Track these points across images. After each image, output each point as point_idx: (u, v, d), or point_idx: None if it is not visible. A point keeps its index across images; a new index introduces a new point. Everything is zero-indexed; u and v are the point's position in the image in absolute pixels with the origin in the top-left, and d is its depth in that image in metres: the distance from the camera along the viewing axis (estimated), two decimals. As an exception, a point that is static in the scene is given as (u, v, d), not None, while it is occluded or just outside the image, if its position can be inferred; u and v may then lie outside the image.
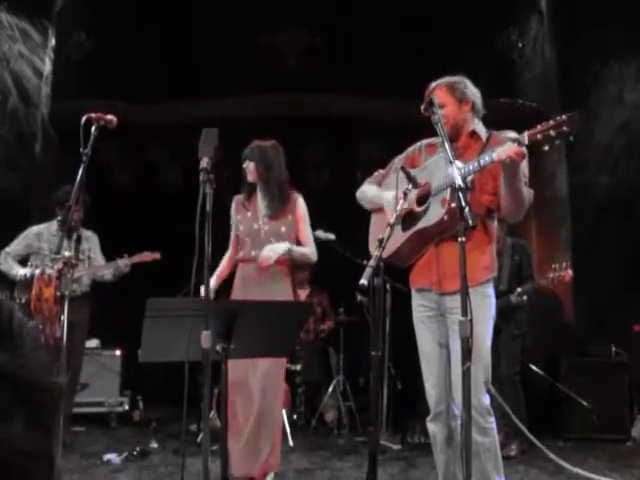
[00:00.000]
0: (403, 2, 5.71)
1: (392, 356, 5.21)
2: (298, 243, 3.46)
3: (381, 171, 3.01)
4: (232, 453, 3.13)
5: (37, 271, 4.31)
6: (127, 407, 5.67)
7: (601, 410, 4.80)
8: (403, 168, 2.65)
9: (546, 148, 2.22)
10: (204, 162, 2.34)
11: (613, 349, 5.05)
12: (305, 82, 5.78)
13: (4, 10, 5.68)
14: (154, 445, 4.59)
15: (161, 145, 6.49)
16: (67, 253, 2.99)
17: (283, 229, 3.40)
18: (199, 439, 4.56)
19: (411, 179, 2.56)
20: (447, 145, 2.34)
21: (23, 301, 4.21)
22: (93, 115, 2.85)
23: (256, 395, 3.24)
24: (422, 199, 2.70)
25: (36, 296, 4.17)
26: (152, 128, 6.15)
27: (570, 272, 4.26)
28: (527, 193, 2.56)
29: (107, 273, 4.60)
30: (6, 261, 4.52)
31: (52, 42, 6.13)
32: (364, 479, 2.74)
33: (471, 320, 2.14)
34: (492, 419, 2.60)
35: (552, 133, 2.18)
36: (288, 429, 4.78)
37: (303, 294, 5.93)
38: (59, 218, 4.54)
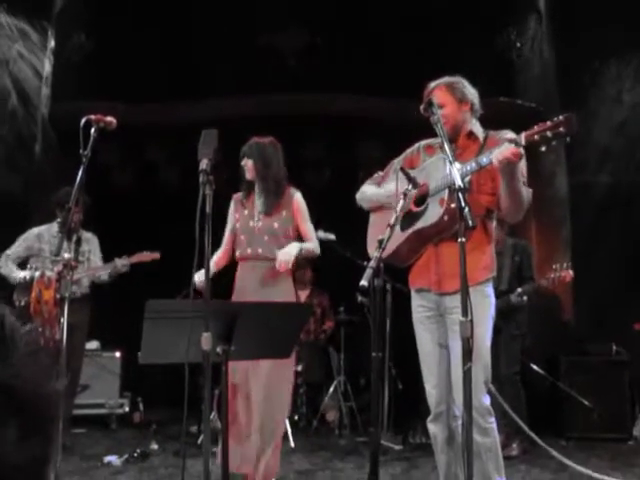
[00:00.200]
0: (402, 2, 5.71)
1: (393, 356, 5.20)
2: (300, 239, 3.46)
3: (380, 173, 3.01)
4: (232, 453, 3.12)
5: (37, 273, 4.31)
6: (127, 409, 5.66)
7: (602, 409, 4.80)
8: (402, 169, 2.65)
9: (543, 149, 2.21)
10: (203, 164, 2.33)
11: (614, 348, 5.05)
12: (305, 81, 5.78)
13: (3, 11, 5.68)
14: (154, 447, 4.59)
15: (160, 146, 6.49)
16: (67, 255, 2.98)
17: (276, 225, 3.39)
18: (199, 440, 4.56)
19: (411, 179, 2.55)
20: (447, 145, 2.34)
21: (23, 303, 4.21)
22: (93, 117, 2.85)
23: (258, 398, 3.22)
24: (420, 200, 2.70)
25: (36, 298, 4.17)
26: (151, 129, 6.15)
27: (571, 272, 4.25)
28: (526, 193, 2.56)
29: (104, 273, 4.59)
30: (6, 264, 4.52)
31: (52, 43, 6.13)
32: (365, 480, 2.74)
33: (471, 320, 2.14)
34: (492, 419, 2.60)
35: (549, 134, 2.18)
36: (289, 430, 4.77)
37: (303, 294, 5.93)
38: (59, 220, 4.54)
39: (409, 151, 2.94)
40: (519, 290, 4.49)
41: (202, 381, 2.25)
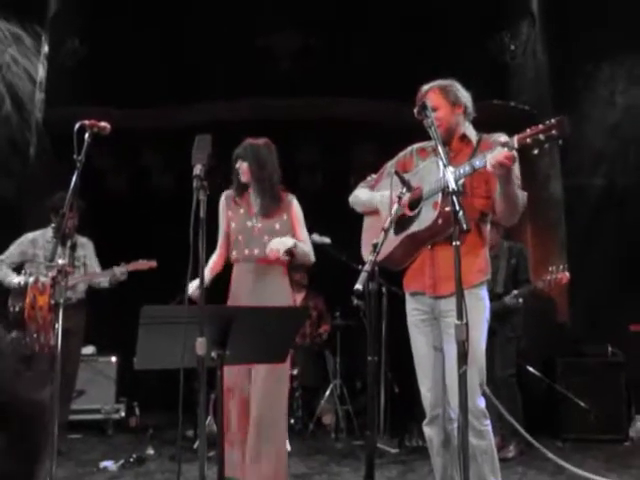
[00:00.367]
0: (400, 5, 5.72)
1: (389, 360, 5.20)
2: None
3: (374, 176, 3.01)
4: (227, 458, 3.10)
5: (31, 279, 4.29)
6: (123, 414, 5.64)
7: (598, 410, 4.81)
8: (397, 172, 2.65)
9: (535, 152, 2.22)
10: (197, 169, 2.33)
11: (609, 349, 5.06)
12: (301, 85, 5.77)
13: (-4, 16, 5.68)
14: (150, 452, 4.58)
15: (154, 151, 6.48)
16: (61, 261, 2.98)
17: (277, 226, 3.33)
18: (195, 445, 4.55)
19: (405, 183, 2.55)
20: (441, 148, 2.35)
21: (17, 309, 4.20)
22: (86, 122, 2.86)
23: (253, 404, 3.19)
24: (413, 204, 2.70)
25: (30, 304, 4.16)
26: (145, 133, 6.14)
27: (567, 274, 4.26)
28: (521, 195, 2.57)
29: (104, 280, 4.59)
30: (1, 268, 4.50)
31: (45, 48, 6.13)
32: (361, 483, 2.74)
33: (467, 323, 2.14)
34: (487, 422, 2.60)
35: (541, 137, 2.19)
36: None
37: (299, 297, 5.93)
38: (54, 225, 4.53)
39: (402, 154, 2.94)
40: (515, 292, 4.50)
41: (198, 386, 2.25)
